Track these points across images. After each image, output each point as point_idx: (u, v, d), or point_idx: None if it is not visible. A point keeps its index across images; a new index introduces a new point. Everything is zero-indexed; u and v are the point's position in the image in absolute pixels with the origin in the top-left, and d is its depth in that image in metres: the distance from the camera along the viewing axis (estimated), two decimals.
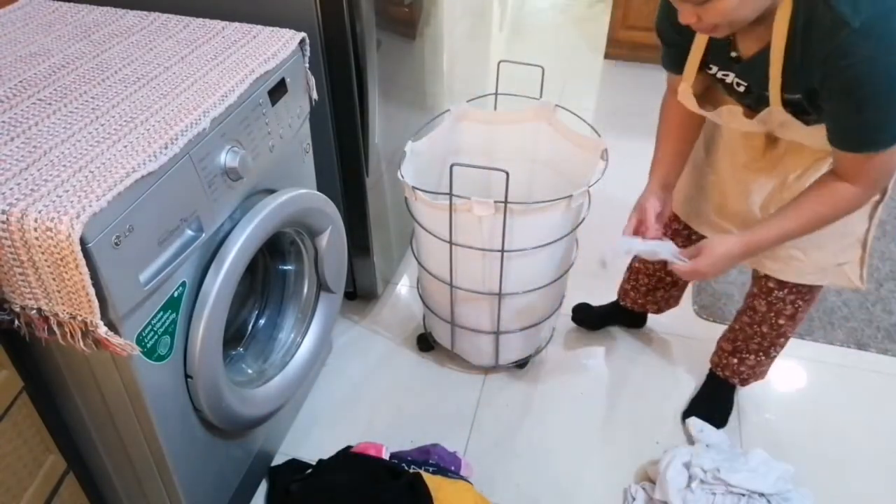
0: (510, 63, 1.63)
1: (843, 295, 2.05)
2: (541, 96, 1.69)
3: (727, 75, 1.17)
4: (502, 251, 1.46)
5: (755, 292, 1.47)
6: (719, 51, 1.15)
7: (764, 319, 1.47)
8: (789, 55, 1.03)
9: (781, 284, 1.39)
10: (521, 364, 1.81)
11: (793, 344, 1.89)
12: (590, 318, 1.92)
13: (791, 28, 1.00)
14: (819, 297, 1.44)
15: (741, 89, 1.16)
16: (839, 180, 1.08)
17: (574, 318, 1.92)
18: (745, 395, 1.75)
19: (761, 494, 1.41)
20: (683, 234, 1.55)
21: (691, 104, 1.25)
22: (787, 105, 1.10)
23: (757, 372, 1.61)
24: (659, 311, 1.81)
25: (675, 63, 1.25)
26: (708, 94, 1.27)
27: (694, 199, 1.48)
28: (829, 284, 1.33)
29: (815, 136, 1.11)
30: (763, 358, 1.57)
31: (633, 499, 1.50)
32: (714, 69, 1.18)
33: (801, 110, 1.10)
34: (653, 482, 1.51)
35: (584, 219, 1.57)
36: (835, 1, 0.93)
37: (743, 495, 1.41)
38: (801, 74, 1.03)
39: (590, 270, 1.80)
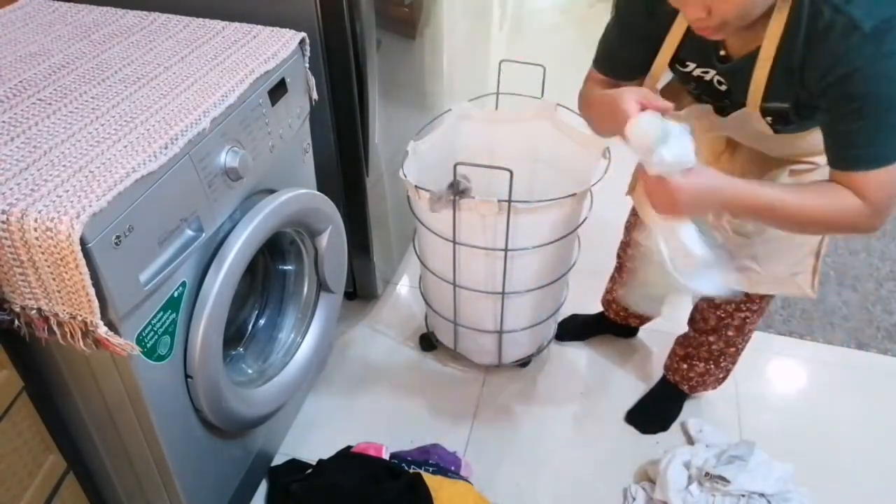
0: (511, 62, 1.63)
1: (842, 295, 2.05)
2: (542, 95, 1.69)
3: (706, 72, 1.09)
4: (506, 250, 1.47)
5: (706, 304, 1.45)
6: (699, 46, 1.06)
7: (714, 330, 1.46)
8: (782, 60, 0.97)
9: (726, 301, 1.37)
10: (524, 363, 1.81)
11: (793, 344, 1.90)
12: (575, 330, 1.90)
13: (786, 32, 0.94)
14: (767, 311, 1.43)
15: (723, 88, 1.09)
16: (847, 191, 0.96)
17: (558, 336, 1.88)
18: (745, 396, 1.75)
19: (761, 495, 1.41)
20: None
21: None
22: (765, 113, 1.05)
23: (707, 381, 1.59)
24: (641, 322, 1.80)
25: (625, 63, 1.15)
26: (665, 92, 1.20)
27: None
28: (782, 293, 1.29)
29: (781, 144, 1.05)
30: (712, 367, 1.55)
31: (633, 499, 1.50)
32: (691, 66, 1.11)
33: (782, 119, 1.04)
34: (653, 482, 1.51)
35: (586, 218, 1.57)
36: (845, 4, 0.87)
37: (743, 496, 1.41)
38: (795, 81, 0.97)
39: (591, 269, 1.80)
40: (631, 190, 1.53)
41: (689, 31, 1.05)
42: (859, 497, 1.53)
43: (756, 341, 1.88)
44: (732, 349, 1.50)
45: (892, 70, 0.88)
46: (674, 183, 0.96)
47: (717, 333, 1.47)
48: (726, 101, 1.11)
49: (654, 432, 1.66)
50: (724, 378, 1.60)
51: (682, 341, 1.59)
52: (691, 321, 1.53)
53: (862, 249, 2.23)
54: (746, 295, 1.35)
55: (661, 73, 1.11)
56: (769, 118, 1.05)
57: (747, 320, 1.42)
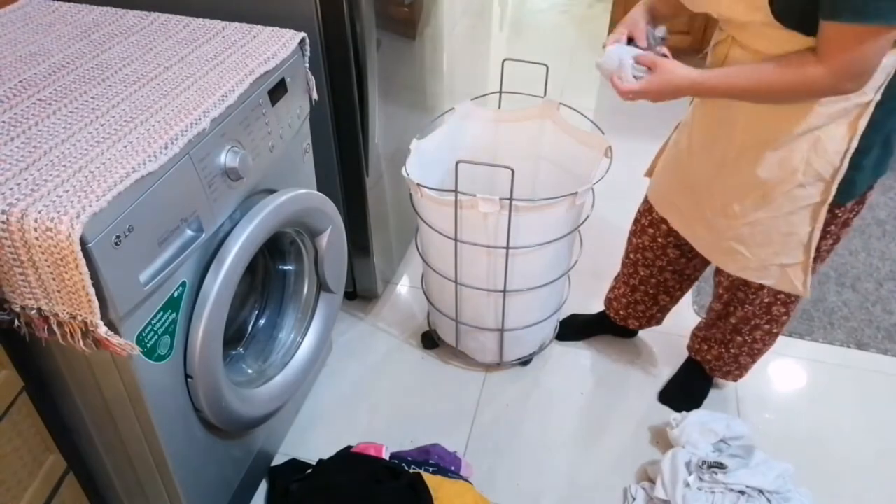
0: (514, 61, 1.63)
1: (843, 295, 2.05)
2: (545, 94, 1.69)
3: None
4: (507, 248, 1.47)
5: (718, 293, 1.53)
6: None
7: (724, 314, 1.53)
8: None
9: (734, 286, 1.43)
10: (525, 362, 1.81)
11: (793, 344, 1.90)
12: (575, 330, 1.90)
13: None
14: (779, 323, 1.46)
15: None
16: (811, 55, 1.02)
17: (558, 337, 1.89)
18: (746, 396, 1.75)
19: (761, 491, 1.41)
20: (681, 259, 1.57)
21: None
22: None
23: (725, 366, 1.62)
24: (640, 327, 1.80)
25: None
26: None
27: (669, 187, 1.47)
28: (774, 286, 1.33)
29: (774, 39, 1.07)
30: (723, 351, 1.59)
31: (633, 499, 1.50)
32: None
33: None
34: (653, 482, 1.51)
35: (587, 216, 1.57)
36: None
37: (742, 493, 1.41)
38: None
39: (592, 269, 1.80)
40: (650, 172, 1.54)
41: None
42: (859, 497, 1.53)
43: None
44: (739, 339, 1.53)
45: None
46: (654, 84, 1.14)
47: (725, 318, 1.53)
48: None
49: (687, 409, 1.68)
50: (737, 372, 1.63)
51: (701, 324, 1.66)
52: (710, 304, 1.59)
53: (862, 249, 2.23)
54: (746, 284, 1.40)
55: None
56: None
57: (753, 315, 1.46)
